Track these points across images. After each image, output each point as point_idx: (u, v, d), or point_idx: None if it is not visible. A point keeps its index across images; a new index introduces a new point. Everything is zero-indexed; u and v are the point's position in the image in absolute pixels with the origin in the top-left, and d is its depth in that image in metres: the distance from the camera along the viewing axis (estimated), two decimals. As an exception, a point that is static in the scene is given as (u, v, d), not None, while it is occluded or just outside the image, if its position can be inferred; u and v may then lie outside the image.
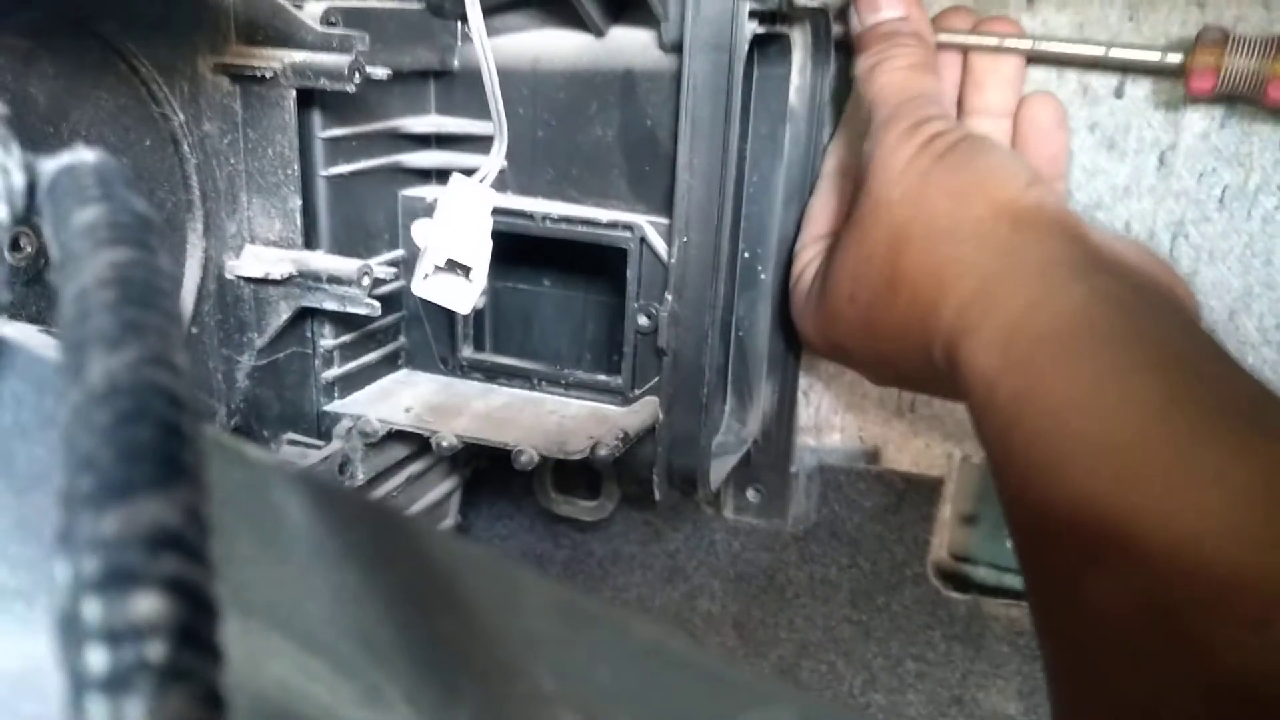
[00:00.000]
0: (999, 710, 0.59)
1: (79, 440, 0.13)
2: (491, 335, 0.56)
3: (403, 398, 0.52)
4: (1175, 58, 0.47)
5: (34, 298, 0.36)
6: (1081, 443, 0.34)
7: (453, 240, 0.43)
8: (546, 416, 0.51)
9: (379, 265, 0.46)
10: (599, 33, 0.48)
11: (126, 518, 0.13)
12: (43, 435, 0.20)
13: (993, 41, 0.49)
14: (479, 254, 0.43)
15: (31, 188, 0.20)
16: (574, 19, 0.48)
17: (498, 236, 0.44)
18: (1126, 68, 0.50)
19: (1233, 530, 0.30)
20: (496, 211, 0.45)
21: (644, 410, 0.50)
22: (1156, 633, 0.30)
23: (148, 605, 0.12)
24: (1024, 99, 0.50)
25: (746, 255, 0.54)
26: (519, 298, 0.56)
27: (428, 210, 0.47)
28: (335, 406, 0.49)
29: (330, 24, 0.43)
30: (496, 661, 0.19)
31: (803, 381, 0.59)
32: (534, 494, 0.62)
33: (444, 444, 0.48)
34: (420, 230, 0.43)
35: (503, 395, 0.53)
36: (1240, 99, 0.48)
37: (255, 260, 0.45)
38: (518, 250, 0.51)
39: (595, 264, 0.52)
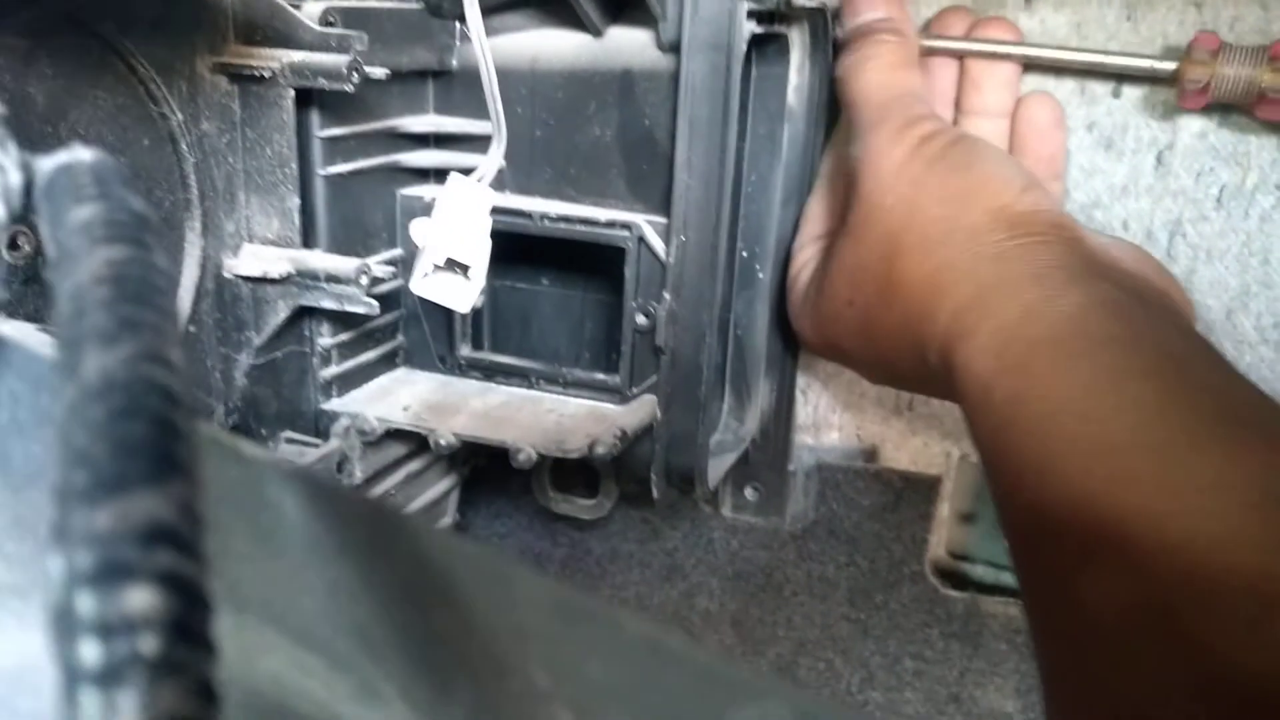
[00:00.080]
0: (996, 708, 0.59)
1: (74, 435, 0.14)
2: (490, 334, 0.56)
3: (401, 396, 0.52)
4: (1168, 66, 0.47)
5: (31, 296, 0.36)
6: (1077, 444, 0.34)
7: (451, 239, 0.43)
8: (545, 415, 0.51)
9: (377, 264, 0.46)
10: (597, 33, 0.48)
11: (120, 512, 0.13)
12: (39, 432, 0.21)
13: (986, 49, 0.49)
14: (478, 253, 0.43)
15: (29, 186, 0.20)
16: (572, 19, 0.48)
17: (496, 236, 0.44)
18: (1121, 75, 0.50)
19: (1229, 532, 0.30)
20: (495, 211, 0.45)
21: (642, 409, 0.50)
22: (1151, 632, 0.30)
23: (141, 599, 0.12)
24: (1021, 99, 0.50)
25: (744, 254, 0.54)
26: (517, 296, 0.56)
27: (426, 209, 0.47)
28: (333, 405, 0.49)
29: (329, 24, 0.43)
30: (491, 657, 0.19)
31: (801, 380, 0.59)
32: (532, 492, 0.62)
33: (442, 442, 0.48)
34: (419, 229, 0.43)
35: (501, 394, 0.53)
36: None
37: (253, 259, 0.45)
38: (516, 249, 0.51)
39: (593, 263, 0.52)
